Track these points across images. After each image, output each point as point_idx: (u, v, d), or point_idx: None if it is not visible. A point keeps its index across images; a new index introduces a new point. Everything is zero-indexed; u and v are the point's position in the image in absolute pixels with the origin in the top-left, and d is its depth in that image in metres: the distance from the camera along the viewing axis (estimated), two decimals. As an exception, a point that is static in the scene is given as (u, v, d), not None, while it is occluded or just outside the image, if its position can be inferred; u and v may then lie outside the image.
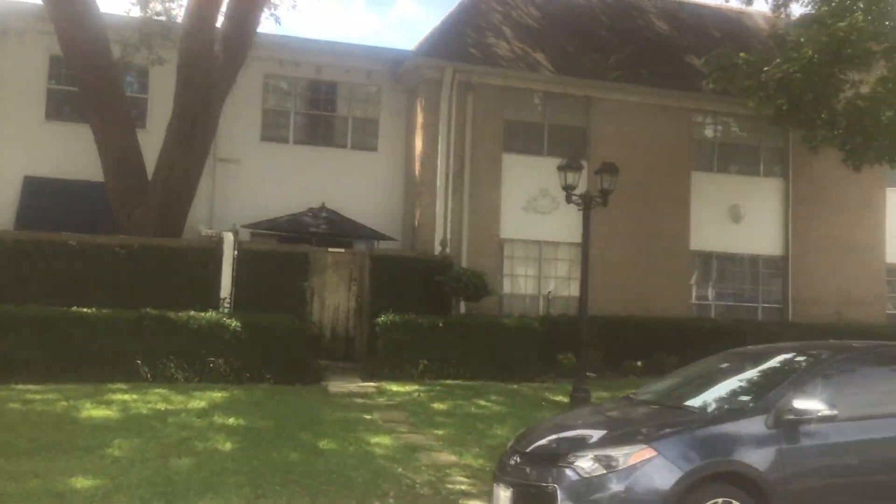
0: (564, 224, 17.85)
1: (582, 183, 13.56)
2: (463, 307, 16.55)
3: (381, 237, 16.98)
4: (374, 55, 17.94)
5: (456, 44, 17.53)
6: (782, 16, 18.30)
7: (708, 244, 18.90)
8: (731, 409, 6.17)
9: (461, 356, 14.18)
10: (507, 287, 17.59)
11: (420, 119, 17.28)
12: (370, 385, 13.09)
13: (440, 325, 14.20)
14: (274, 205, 17.00)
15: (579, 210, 12.87)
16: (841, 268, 19.71)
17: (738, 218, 19.08)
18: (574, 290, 17.81)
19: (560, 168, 12.86)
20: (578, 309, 13.22)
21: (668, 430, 5.77)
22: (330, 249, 15.80)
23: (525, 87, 17.94)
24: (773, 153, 19.73)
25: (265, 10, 16.61)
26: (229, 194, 17.25)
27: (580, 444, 5.86)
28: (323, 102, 18.41)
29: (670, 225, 18.53)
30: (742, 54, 13.86)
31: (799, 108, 14.74)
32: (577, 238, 18.15)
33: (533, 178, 17.70)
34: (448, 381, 13.55)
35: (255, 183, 17.35)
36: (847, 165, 15.70)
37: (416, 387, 12.93)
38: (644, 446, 5.56)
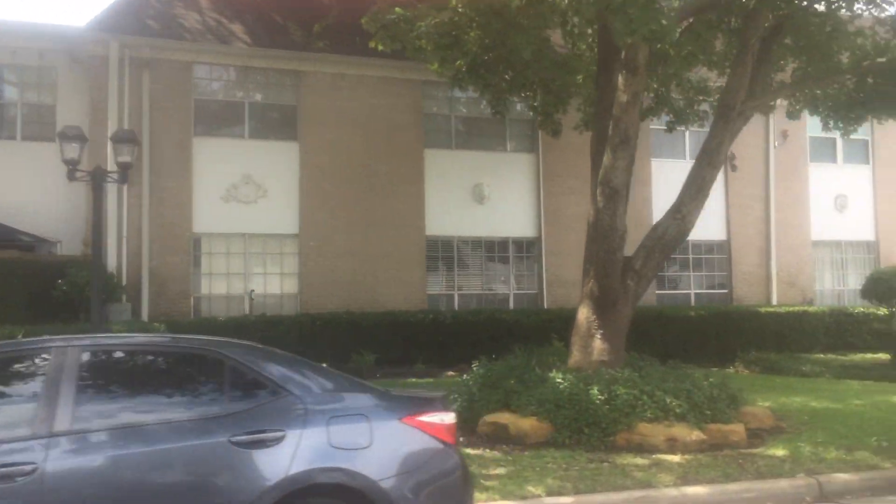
0: (274, 214, 15.99)
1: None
2: (146, 312, 14.55)
3: (20, 238, 14.64)
4: (41, 32, 15.67)
5: (131, 15, 15.45)
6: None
7: (447, 229, 17.19)
8: None
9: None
10: (205, 287, 15.56)
11: (90, 102, 15.16)
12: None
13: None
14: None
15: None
16: (604, 247, 18.24)
17: (483, 198, 17.42)
18: (288, 287, 15.96)
19: (61, 137, 10.93)
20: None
21: None
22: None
23: (219, 62, 15.98)
24: (521, 126, 18.13)
25: None
26: None
27: None
28: (-14, 89, 16.09)
29: (402, 209, 16.76)
30: (397, 9, 12.13)
31: (480, 67, 13.10)
32: (290, 229, 16.46)
33: (233, 163, 15.74)
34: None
35: None
36: (547, 133, 14.18)
37: None
38: None
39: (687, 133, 19.25)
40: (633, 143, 9.32)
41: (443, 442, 4.66)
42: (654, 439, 8.34)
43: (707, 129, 11.59)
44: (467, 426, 9.12)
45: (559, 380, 9.00)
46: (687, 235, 10.40)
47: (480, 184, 17.38)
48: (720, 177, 19.97)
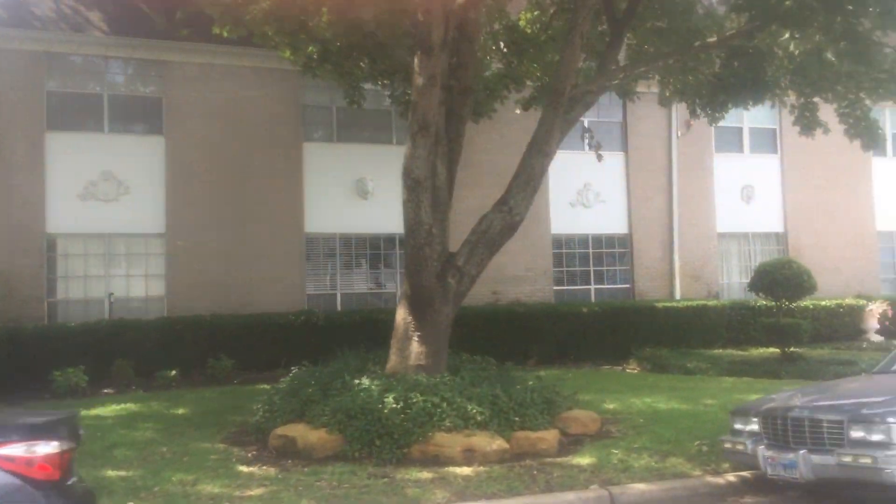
0: (138, 212, 15.15)
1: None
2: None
3: None
4: None
5: (-24, 3, 14.55)
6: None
7: (328, 226, 16.43)
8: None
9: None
10: (61, 291, 14.69)
11: (-69, 96, 14.25)
12: None
13: None
14: None
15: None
16: (498, 242, 17.62)
17: (367, 193, 16.68)
18: (154, 289, 15.15)
19: None
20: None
21: None
22: None
23: (75, 52, 15.10)
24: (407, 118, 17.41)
25: None
26: None
27: None
28: None
29: (279, 206, 15.98)
30: (234, -10, 11.39)
31: (334, 54, 12.36)
32: (156, 228, 15.62)
33: (92, 159, 14.86)
34: None
35: None
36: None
37: None
38: None
39: (585, 122, 18.73)
40: (434, 129, 8.64)
41: (28, 480, 3.91)
42: (450, 450, 7.70)
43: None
44: (263, 440, 8.45)
45: (364, 387, 8.34)
46: (515, 229, 9.77)
47: (364, 178, 16.64)
48: (621, 169, 19.70)
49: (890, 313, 19.18)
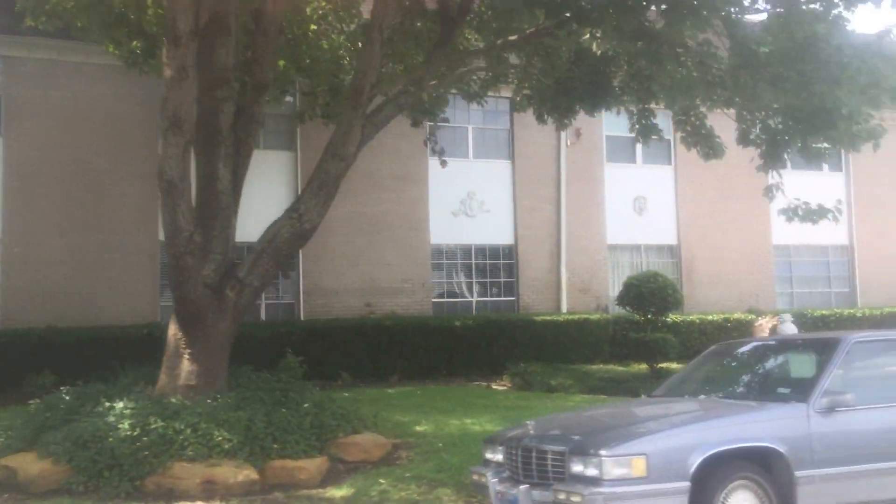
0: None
1: None
2: None
3: None
4: None
5: None
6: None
7: (185, 232, 15.61)
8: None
9: None
10: None
11: None
12: None
13: None
14: None
15: None
16: (372, 251, 16.91)
17: (229, 199, 15.89)
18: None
19: None
20: None
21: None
22: None
23: None
24: (276, 121, 16.55)
25: None
26: None
27: None
28: None
29: (130, 212, 15.03)
30: (48, -19, 10.57)
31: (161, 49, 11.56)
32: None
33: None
34: None
35: None
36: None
37: None
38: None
39: (470, 129, 18.17)
40: (188, 127, 7.89)
41: None
42: (187, 482, 6.93)
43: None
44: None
45: (116, 411, 7.53)
46: (307, 237, 9.07)
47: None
48: (507, 178, 19.12)
49: (779, 328, 18.85)
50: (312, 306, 16.27)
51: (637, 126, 11.06)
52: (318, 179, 8.83)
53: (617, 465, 5.17)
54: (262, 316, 16.06)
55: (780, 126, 9.93)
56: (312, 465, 7.41)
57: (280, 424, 7.55)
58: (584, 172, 19.00)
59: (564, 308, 18.23)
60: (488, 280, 18.14)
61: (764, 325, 18.63)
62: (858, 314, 19.65)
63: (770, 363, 6.90)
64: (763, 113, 9.77)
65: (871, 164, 21.53)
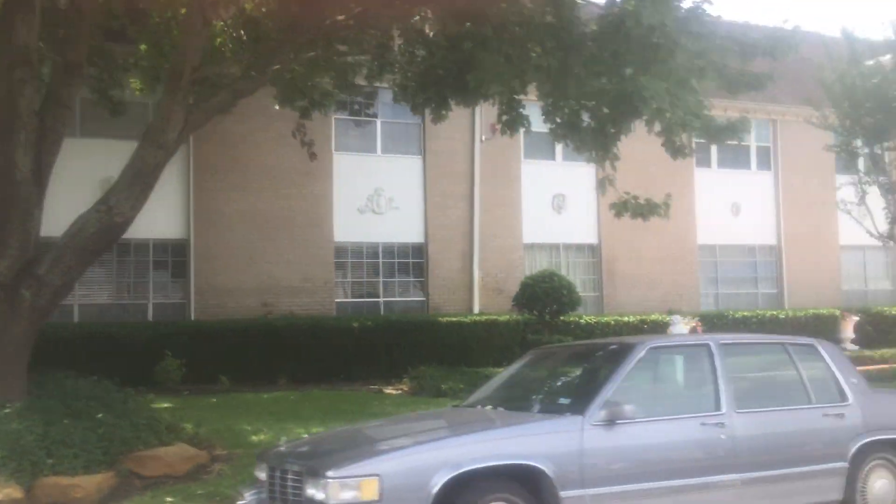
0: None
1: None
2: None
3: None
4: None
5: None
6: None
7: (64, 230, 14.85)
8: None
9: None
10: None
11: None
12: None
13: None
14: None
15: None
16: (271, 248, 16.23)
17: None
18: None
19: None
20: None
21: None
22: None
23: None
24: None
25: None
26: None
27: None
28: None
29: None
30: None
31: None
32: None
33: None
34: None
35: None
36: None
37: None
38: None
39: (379, 124, 17.55)
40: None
41: None
42: (-65, 502, 6.25)
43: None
44: None
45: None
46: (118, 232, 8.41)
47: (110, 178, 14.97)
48: (418, 174, 18.32)
49: (699, 330, 18.43)
50: (205, 306, 15.56)
51: (504, 116, 10.46)
52: (133, 169, 8.16)
53: (344, 487, 4.58)
54: (150, 316, 15.35)
55: (587, 113, 9.30)
56: (91, 482, 6.74)
57: (58, 437, 6.87)
58: (499, 169, 18.45)
59: (477, 309, 17.66)
60: (397, 280, 17.53)
61: (683, 327, 18.24)
62: (781, 315, 19.28)
63: (571, 371, 6.34)
64: (575, 102, 9.09)
65: (799, 163, 21.25)
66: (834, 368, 6.22)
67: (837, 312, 19.94)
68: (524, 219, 18.57)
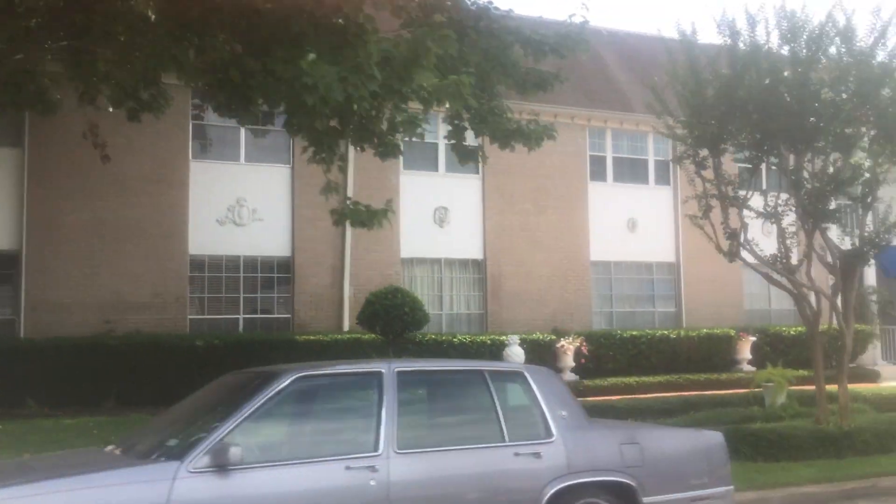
0: None
1: None
2: None
3: None
4: None
5: None
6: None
7: None
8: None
9: None
10: None
11: None
12: None
13: None
14: None
15: None
16: (117, 261, 15.13)
17: None
18: None
19: None
20: None
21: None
22: None
23: None
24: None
25: None
26: None
27: None
28: None
29: None
30: None
31: None
32: None
33: None
34: None
35: None
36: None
37: None
38: None
39: (242, 131, 16.60)
40: None
41: None
42: None
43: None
44: None
45: None
46: None
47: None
48: (285, 184, 17.58)
49: (585, 350, 17.66)
50: (38, 323, 14.44)
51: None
52: None
53: None
54: (-28, 333, 14.22)
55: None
56: None
57: None
58: (375, 180, 17.56)
59: (347, 327, 16.71)
60: (259, 295, 16.53)
61: (566, 346, 17.44)
62: (673, 335, 18.56)
63: (225, 403, 5.40)
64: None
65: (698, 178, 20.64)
66: (541, 400, 5.37)
67: (733, 332, 19.33)
68: (402, 232, 17.70)
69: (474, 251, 18.55)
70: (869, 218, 10.62)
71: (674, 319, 20.37)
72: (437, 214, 18.19)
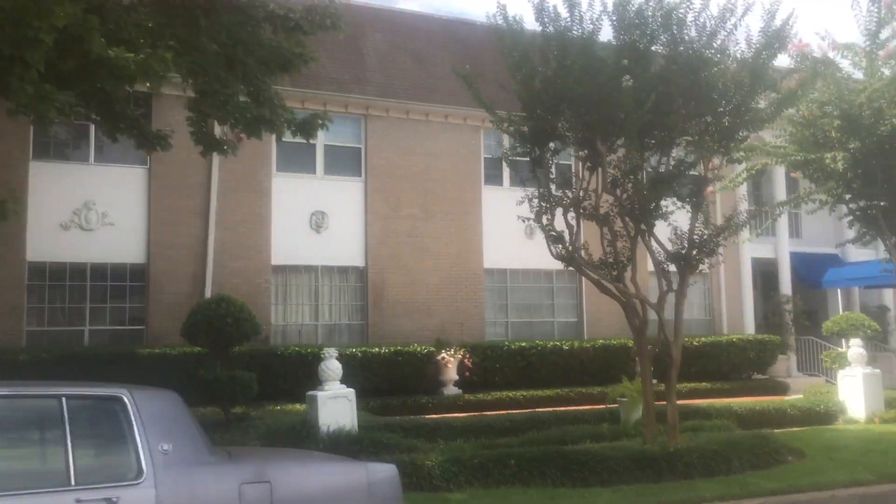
0: None
1: None
2: None
3: None
4: None
5: None
6: None
7: None
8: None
9: None
10: None
11: None
12: None
13: None
14: None
15: None
16: (-59, 270, 14.04)
17: None
18: None
19: None
20: None
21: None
22: None
23: None
24: None
25: None
26: None
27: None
28: None
29: None
30: None
31: None
32: None
33: None
34: None
35: None
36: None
37: None
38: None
39: (92, 127, 15.47)
40: None
41: None
42: None
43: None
44: None
45: None
46: None
47: None
48: (140, 185, 16.38)
49: (468, 362, 16.66)
50: None
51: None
52: None
53: None
54: None
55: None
56: None
57: None
58: (244, 183, 16.52)
59: (208, 338, 15.59)
60: (108, 306, 15.36)
61: (447, 358, 16.44)
62: (566, 346, 17.57)
63: None
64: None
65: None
66: (138, 431, 4.34)
67: (631, 343, 18.39)
68: (274, 238, 16.64)
69: (355, 258, 17.51)
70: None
71: (575, 330, 19.43)
72: (314, 219, 17.13)
